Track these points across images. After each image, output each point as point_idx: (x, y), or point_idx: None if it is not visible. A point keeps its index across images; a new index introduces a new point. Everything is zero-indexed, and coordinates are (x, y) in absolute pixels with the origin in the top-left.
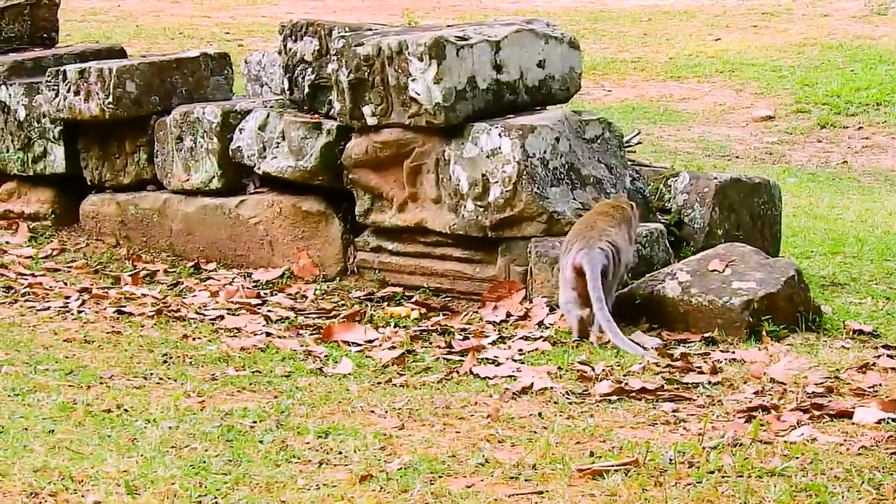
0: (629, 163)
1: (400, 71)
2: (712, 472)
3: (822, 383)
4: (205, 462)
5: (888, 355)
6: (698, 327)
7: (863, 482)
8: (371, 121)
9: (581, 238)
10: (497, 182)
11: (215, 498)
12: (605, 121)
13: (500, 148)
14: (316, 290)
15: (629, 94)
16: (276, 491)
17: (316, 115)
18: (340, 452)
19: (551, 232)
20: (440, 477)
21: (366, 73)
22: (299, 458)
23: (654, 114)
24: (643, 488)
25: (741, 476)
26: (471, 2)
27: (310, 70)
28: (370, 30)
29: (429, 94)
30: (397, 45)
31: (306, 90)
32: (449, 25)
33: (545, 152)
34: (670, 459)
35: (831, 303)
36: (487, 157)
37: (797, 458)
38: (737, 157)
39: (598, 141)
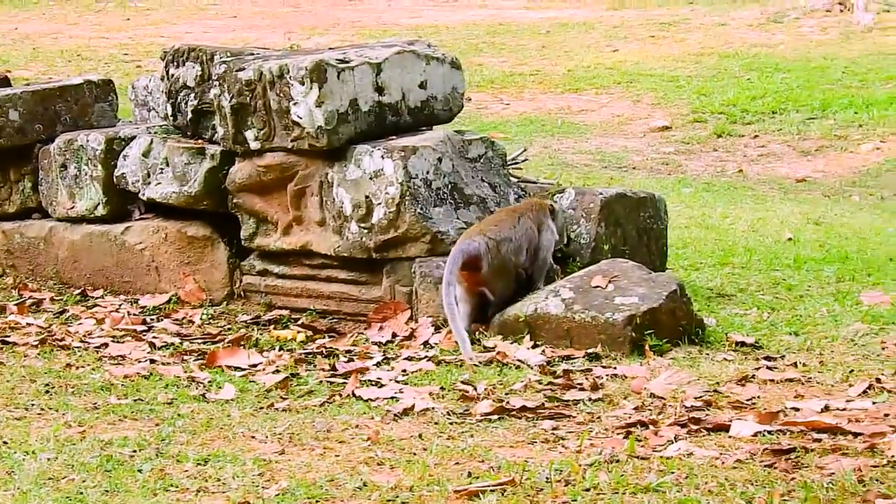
0: (514, 180)
1: (282, 95)
2: (588, 490)
3: (700, 397)
4: (81, 493)
5: (768, 367)
6: (582, 343)
7: (735, 496)
8: (254, 145)
9: (463, 235)
10: (380, 203)
11: None
12: (487, 140)
13: (382, 169)
14: (203, 314)
15: (527, 107)
16: None
17: (199, 141)
18: (219, 479)
19: (435, 252)
20: (317, 502)
21: (248, 98)
22: (177, 487)
23: (551, 126)
24: None
25: (616, 493)
26: (370, 17)
27: (192, 95)
28: (252, 54)
29: (311, 117)
30: (278, 69)
31: (189, 115)
32: (330, 48)
33: (428, 173)
34: (546, 478)
35: (716, 314)
36: (370, 178)
37: (672, 473)
38: (634, 168)
39: (482, 160)
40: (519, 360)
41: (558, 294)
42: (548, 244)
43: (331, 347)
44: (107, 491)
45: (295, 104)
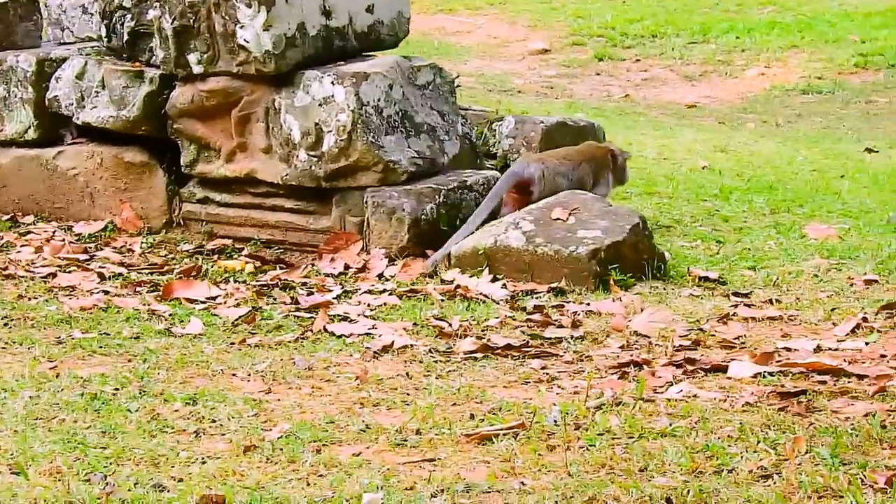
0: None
1: (227, 18)
2: (601, 434)
3: (686, 336)
4: (77, 435)
5: (745, 304)
6: (544, 278)
7: (758, 441)
8: (197, 69)
9: (520, 158)
10: (331, 131)
11: (104, 475)
12: (436, 66)
13: (333, 96)
14: (142, 243)
15: None
16: (162, 466)
17: (137, 64)
18: (214, 421)
19: (387, 181)
20: (325, 445)
21: (191, 20)
22: (174, 428)
23: (429, 48)
24: (537, 453)
25: (632, 438)
26: None
27: (129, 16)
28: None
29: (258, 41)
30: None
31: (125, 37)
32: None
33: (379, 100)
34: (555, 421)
35: (665, 247)
36: (320, 105)
37: (683, 417)
38: (519, 91)
39: (430, 87)
40: (482, 294)
41: (518, 226)
42: (604, 192)
43: (285, 279)
44: (104, 433)
45: (241, 27)
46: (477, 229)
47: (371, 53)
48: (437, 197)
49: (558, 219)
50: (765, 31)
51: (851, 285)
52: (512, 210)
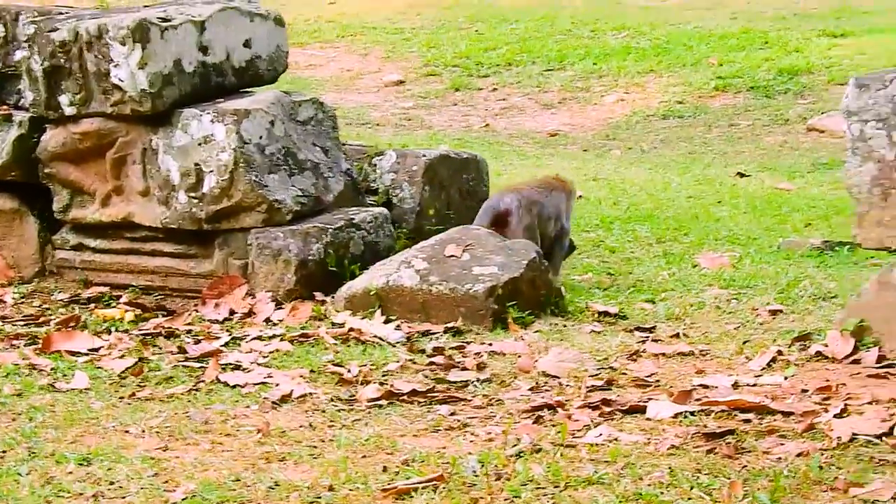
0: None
1: (101, 56)
2: (525, 485)
3: (598, 375)
4: None
5: (653, 339)
6: (440, 317)
7: (691, 487)
8: (69, 111)
9: (494, 192)
10: (212, 171)
11: None
12: (317, 101)
13: (213, 135)
14: (14, 293)
15: None
16: None
17: (4, 107)
18: (112, 483)
19: (272, 222)
20: None
21: (62, 60)
22: (70, 493)
23: (282, 82)
24: None
25: (558, 487)
26: None
27: None
28: (62, 14)
29: (133, 80)
30: (96, 28)
31: None
32: (146, 6)
33: (261, 137)
34: (475, 472)
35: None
36: (200, 144)
37: (608, 462)
38: (377, 124)
39: (312, 122)
40: (377, 337)
41: (411, 265)
42: (569, 228)
43: (169, 327)
44: None
45: (116, 66)
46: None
47: (250, 90)
48: (323, 237)
49: (452, 256)
50: (621, 57)
51: (757, 316)
52: None
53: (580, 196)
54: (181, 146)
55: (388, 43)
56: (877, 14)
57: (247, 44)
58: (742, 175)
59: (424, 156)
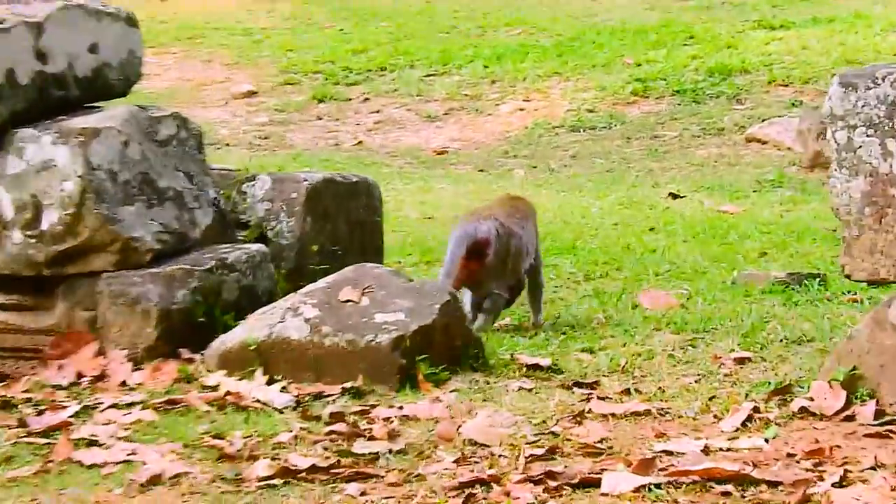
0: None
1: None
2: None
3: (537, 442)
4: None
5: (598, 397)
6: (336, 376)
7: None
8: None
9: (464, 217)
10: (53, 204)
11: None
12: (179, 116)
13: (54, 160)
14: None
15: None
16: None
17: None
18: None
19: (127, 264)
20: None
21: None
22: None
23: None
24: None
25: None
26: None
27: None
28: None
29: None
30: None
31: None
32: None
33: (113, 162)
34: None
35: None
36: (38, 172)
37: None
38: (227, 143)
39: (174, 143)
40: (260, 402)
41: (298, 312)
42: (541, 260)
43: (4, 396)
44: None
45: None
46: None
47: (97, 104)
48: (190, 280)
49: (349, 300)
50: (517, 58)
51: (720, 366)
52: (457, 283)
53: None
54: (15, 174)
55: (235, 46)
56: (819, 2)
57: (93, 49)
58: (675, 196)
59: (305, 180)
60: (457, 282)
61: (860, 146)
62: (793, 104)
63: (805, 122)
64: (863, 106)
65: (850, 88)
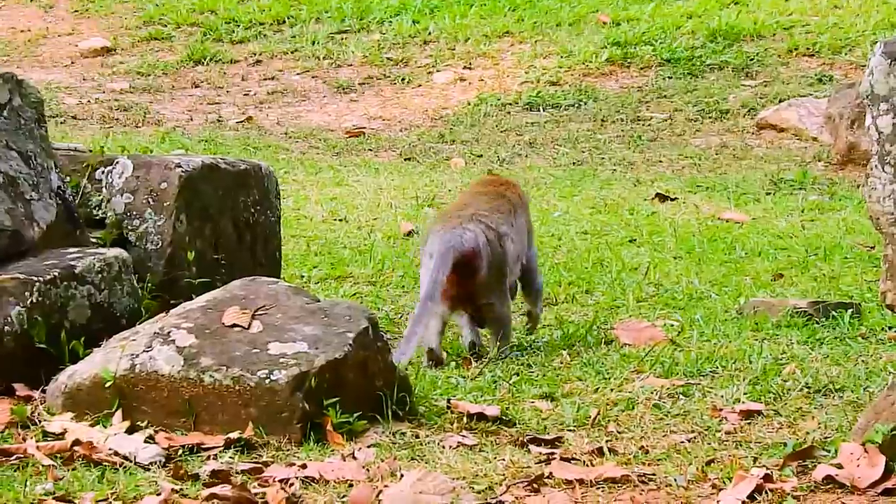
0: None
1: None
2: None
3: None
4: None
5: (562, 458)
6: (218, 423)
7: None
8: None
9: (442, 220)
10: None
11: None
12: (13, 78)
13: None
14: None
15: None
16: None
17: None
18: None
19: None
20: None
21: None
22: None
23: None
24: None
25: None
26: None
27: None
28: None
29: None
30: None
31: None
32: None
33: None
34: None
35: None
36: None
37: None
38: (73, 116)
39: (4, 113)
40: (119, 456)
41: (170, 340)
42: (536, 251)
43: None
44: None
45: None
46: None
47: None
48: (27, 295)
49: (236, 325)
50: (457, 11)
51: (721, 420)
52: (447, 306)
53: (411, 232)
54: None
55: None
56: None
57: None
58: (663, 198)
59: (178, 167)
60: (447, 302)
61: None
62: (819, 80)
63: (836, 104)
64: None
65: None
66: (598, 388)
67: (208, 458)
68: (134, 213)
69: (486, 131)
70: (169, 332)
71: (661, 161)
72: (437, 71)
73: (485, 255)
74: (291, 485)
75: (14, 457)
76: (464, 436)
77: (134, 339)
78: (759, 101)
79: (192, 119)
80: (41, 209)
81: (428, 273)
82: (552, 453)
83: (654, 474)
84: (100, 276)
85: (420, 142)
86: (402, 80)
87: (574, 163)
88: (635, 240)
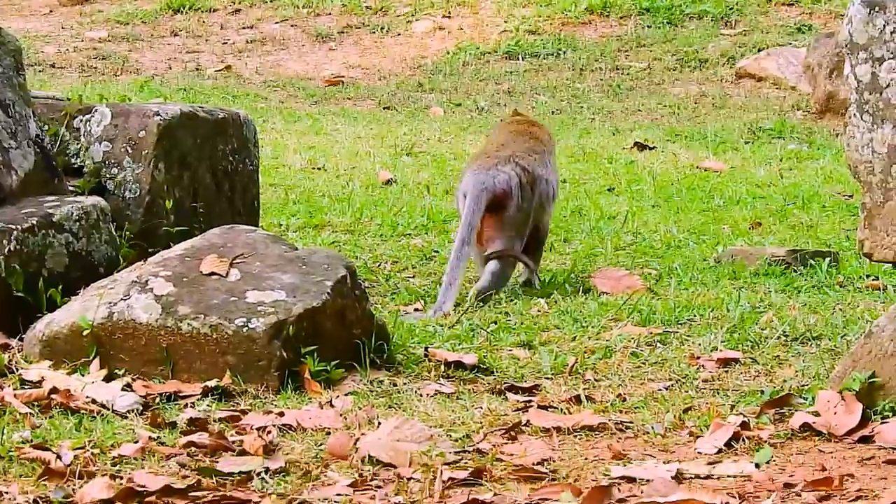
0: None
1: None
2: None
3: (459, 462)
4: None
5: (539, 406)
6: (195, 371)
7: None
8: None
9: (479, 160)
10: None
11: None
12: None
13: None
14: None
15: None
16: None
17: None
18: None
19: None
20: None
21: None
22: None
23: None
24: None
25: None
26: None
27: None
28: None
29: None
30: None
31: None
32: None
33: None
34: None
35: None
36: None
37: None
38: (52, 65)
39: None
40: (96, 404)
41: (147, 288)
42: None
43: None
44: None
45: None
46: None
47: None
48: (5, 243)
49: (213, 273)
50: None
51: (698, 368)
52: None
53: (389, 181)
54: None
55: None
56: None
57: None
58: (642, 147)
59: (157, 115)
60: (480, 246)
61: (888, 85)
62: (799, 29)
63: (815, 53)
64: (893, 32)
65: (877, 9)
66: (575, 337)
67: (186, 406)
68: (112, 161)
69: (464, 80)
70: (147, 281)
71: (639, 110)
72: (417, 20)
73: (515, 196)
74: (269, 433)
75: None
76: (441, 384)
77: (112, 288)
78: (739, 51)
79: (170, 68)
80: (19, 157)
81: (463, 215)
82: (529, 401)
83: (631, 422)
84: (78, 224)
85: (399, 91)
86: (381, 28)
87: (553, 112)
88: (614, 188)
